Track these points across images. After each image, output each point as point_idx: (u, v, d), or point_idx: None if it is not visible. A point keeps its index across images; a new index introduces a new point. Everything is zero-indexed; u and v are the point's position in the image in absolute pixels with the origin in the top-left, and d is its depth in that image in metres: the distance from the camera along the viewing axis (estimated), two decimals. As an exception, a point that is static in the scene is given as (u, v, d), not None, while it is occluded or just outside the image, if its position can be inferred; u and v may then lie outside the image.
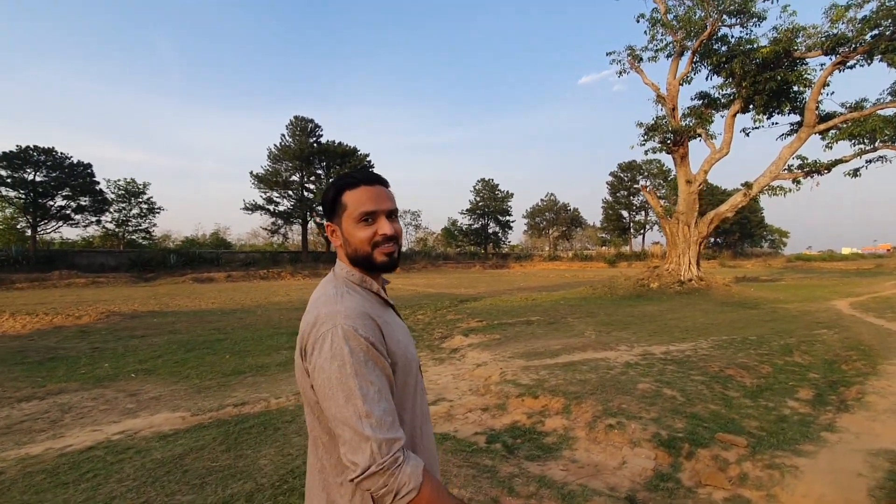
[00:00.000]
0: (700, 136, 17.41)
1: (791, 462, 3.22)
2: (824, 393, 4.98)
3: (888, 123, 13.75)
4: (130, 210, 44.79)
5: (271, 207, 50.96)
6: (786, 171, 16.17)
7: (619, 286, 17.81)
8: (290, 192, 51.19)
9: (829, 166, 15.62)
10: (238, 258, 48.29)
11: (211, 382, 5.37)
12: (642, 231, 75.94)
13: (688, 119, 17.59)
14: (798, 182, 16.20)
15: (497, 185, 70.55)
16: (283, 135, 53.20)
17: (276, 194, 51.66)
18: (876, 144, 14.80)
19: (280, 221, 51.68)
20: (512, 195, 70.30)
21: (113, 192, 43.31)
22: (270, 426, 3.91)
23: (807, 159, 15.93)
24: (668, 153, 17.34)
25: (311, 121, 53.45)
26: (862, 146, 15.06)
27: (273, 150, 52.66)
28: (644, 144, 17.26)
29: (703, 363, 6.11)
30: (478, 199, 70.53)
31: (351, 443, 0.89)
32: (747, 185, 16.48)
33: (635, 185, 72.04)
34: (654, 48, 17.41)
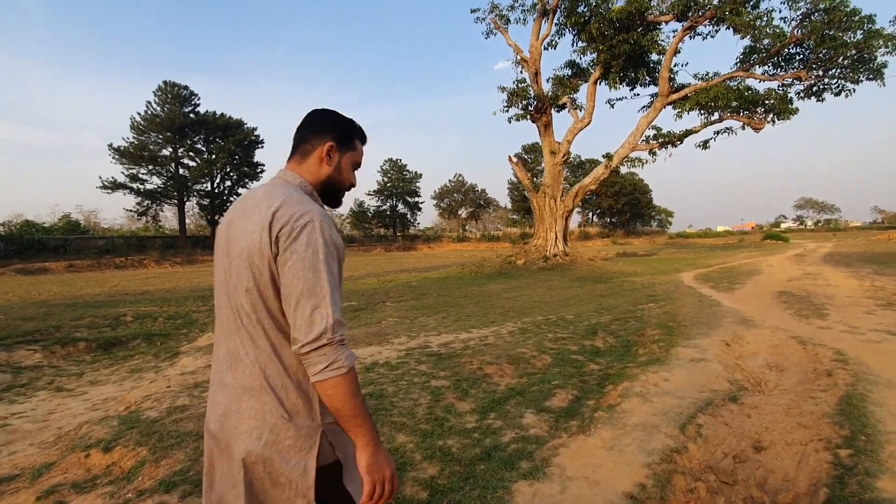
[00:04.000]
0: (566, 105, 16.63)
1: None
2: (585, 396, 3.67)
3: (731, 92, 13.77)
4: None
5: (136, 185, 44.38)
6: (643, 143, 15.93)
7: (488, 264, 16.75)
8: (159, 169, 44.96)
9: (681, 137, 15.58)
10: (96, 245, 41.63)
11: None
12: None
13: (553, 86, 16.70)
14: (654, 153, 16.05)
15: (405, 165, 68.48)
16: (150, 102, 46.32)
17: (142, 170, 45.13)
18: (721, 115, 14.92)
19: (147, 202, 45.16)
20: (421, 175, 68.72)
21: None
22: None
23: (661, 130, 15.81)
24: (532, 121, 16.39)
25: (186, 88, 47.21)
26: (708, 116, 15.13)
27: (137, 119, 45.76)
28: (507, 111, 16.15)
29: (471, 357, 4.66)
30: (385, 179, 68.03)
31: (311, 317, 0.98)
32: (608, 157, 16.04)
33: (538, 167, 73.63)
34: (521, 8, 16.22)
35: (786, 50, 13.77)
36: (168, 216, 51.41)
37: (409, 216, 70.05)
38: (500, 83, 16.71)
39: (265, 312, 1.05)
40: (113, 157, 44.34)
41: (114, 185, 43.71)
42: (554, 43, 16.19)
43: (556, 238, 16.46)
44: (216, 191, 48.59)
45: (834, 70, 13.50)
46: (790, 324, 5.98)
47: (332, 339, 0.98)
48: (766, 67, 14.57)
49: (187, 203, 48.15)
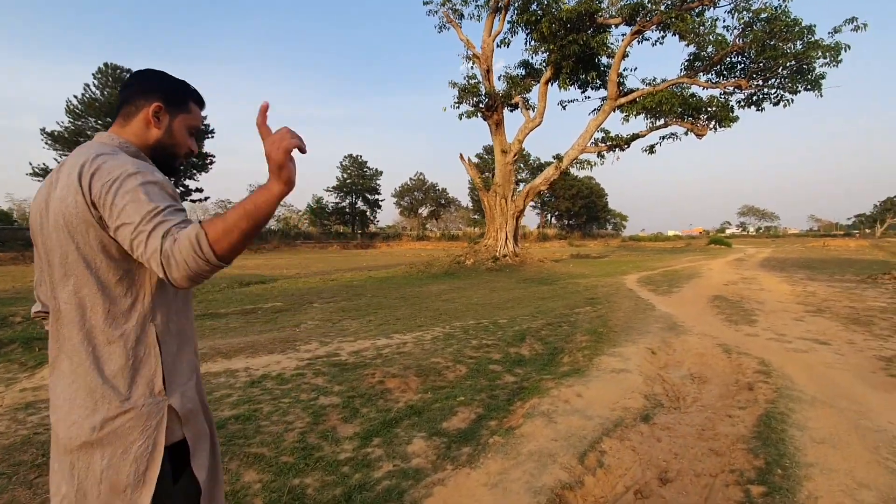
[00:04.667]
0: (517, 104, 16.43)
1: None
2: (488, 415, 3.25)
3: (675, 97, 13.96)
4: None
5: (69, 174, 41.29)
6: (592, 145, 15.95)
7: (437, 264, 16.32)
8: (96, 156, 42.01)
9: (628, 140, 15.71)
10: (23, 236, 38.32)
11: None
12: (504, 212, 78.65)
13: (506, 85, 16.45)
14: (602, 156, 16.14)
15: (365, 162, 67.16)
16: (88, 85, 43.44)
17: (77, 158, 42.05)
18: (666, 120, 15.13)
19: (82, 191, 42.07)
20: (381, 173, 67.60)
21: None
22: None
23: (609, 133, 15.88)
24: (483, 119, 16.10)
25: (129, 71, 44.16)
26: (654, 121, 15.31)
27: (74, 102, 42.70)
28: (457, 107, 15.78)
29: (375, 368, 4.17)
30: (345, 175, 66.65)
31: (146, 244, 0.87)
32: (558, 158, 15.98)
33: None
34: (475, 3, 15.88)
35: (728, 58, 14.07)
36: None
37: (368, 214, 68.96)
38: (452, 79, 16.23)
39: (93, 280, 0.96)
40: (46, 143, 41.27)
41: (45, 172, 40.53)
42: (507, 41, 15.96)
43: (507, 238, 16.24)
44: (161, 182, 45.99)
45: (773, 80, 13.92)
46: (719, 330, 5.84)
47: (171, 248, 0.85)
48: (709, 75, 14.91)
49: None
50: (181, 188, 46.95)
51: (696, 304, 7.94)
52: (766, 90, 14.28)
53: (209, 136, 47.78)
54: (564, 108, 17.35)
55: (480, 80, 15.77)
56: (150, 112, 1.06)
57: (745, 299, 8.40)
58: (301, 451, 2.68)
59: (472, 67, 16.05)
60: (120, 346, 0.96)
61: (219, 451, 1.14)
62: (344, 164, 67.25)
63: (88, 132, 42.38)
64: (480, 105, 15.63)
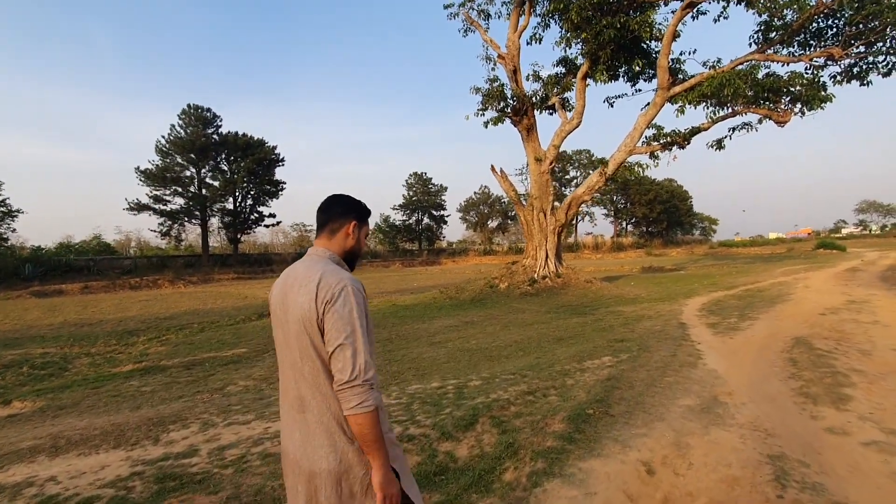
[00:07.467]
0: (554, 107, 14.51)
1: None
2: None
3: (740, 78, 11.20)
4: (-22, 214, 37.57)
5: (158, 206, 45.20)
6: (643, 145, 13.54)
7: (469, 288, 14.78)
8: (180, 189, 45.60)
9: (687, 136, 13.05)
10: (122, 265, 42.55)
11: None
12: (574, 221, 74.90)
13: (543, 87, 14.63)
14: (655, 156, 13.61)
15: (430, 178, 67.90)
16: (174, 126, 47.58)
17: (166, 192, 46.02)
18: (733, 107, 12.35)
19: (169, 221, 45.86)
20: (446, 188, 67.99)
21: (-46, 193, 36.03)
22: None
23: (662, 129, 13.35)
24: (513, 125, 14.37)
25: (209, 110, 48.36)
26: (714, 110, 12.58)
27: (162, 142, 47.01)
28: (482, 114, 14.19)
29: (194, 494, 2.82)
30: (410, 193, 67.76)
31: (347, 361, 1.28)
32: (602, 163, 13.74)
33: (566, 176, 71.02)
34: (502, 0, 14.34)
35: (814, 23, 11.16)
36: (193, 235, 52.42)
37: (435, 229, 69.27)
38: (475, 85, 14.78)
39: (321, 365, 1.35)
40: (140, 180, 45.51)
41: (139, 207, 44.68)
42: (538, 36, 14.14)
43: (548, 257, 14.26)
44: (238, 209, 49.22)
45: (881, 44, 10.73)
46: (782, 415, 3.76)
47: (364, 381, 1.28)
48: (791, 48, 11.97)
49: (210, 220, 48.67)
50: (255, 214, 49.91)
51: (763, 355, 5.67)
52: (870, 58, 11.12)
53: (280, 164, 50.33)
54: (612, 105, 15.12)
55: (506, 82, 14.13)
56: (350, 228, 1.55)
57: (843, 343, 5.95)
58: None
59: (493, 69, 14.47)
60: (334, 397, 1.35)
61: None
62: (409, 181, 68.20)
63: (175, 168, 46.30)
64: (507, 110, 13.95)
